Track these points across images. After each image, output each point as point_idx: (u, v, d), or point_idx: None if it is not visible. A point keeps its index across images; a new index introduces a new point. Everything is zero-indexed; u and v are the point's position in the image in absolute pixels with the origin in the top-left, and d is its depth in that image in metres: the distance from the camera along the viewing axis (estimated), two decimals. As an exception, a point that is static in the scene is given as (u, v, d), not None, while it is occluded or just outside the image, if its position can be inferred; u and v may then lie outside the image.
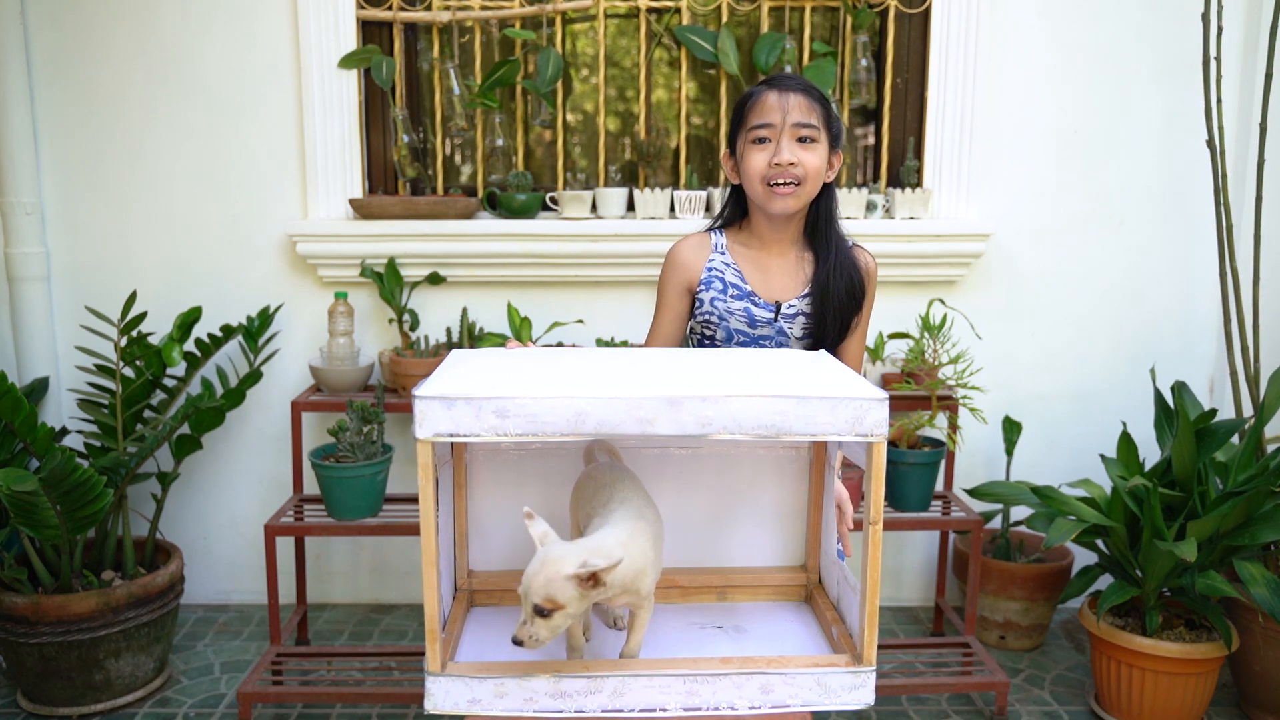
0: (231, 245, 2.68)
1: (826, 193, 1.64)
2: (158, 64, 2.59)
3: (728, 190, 1.70)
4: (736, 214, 1.70)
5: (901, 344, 2.61)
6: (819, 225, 1.64)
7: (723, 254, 1.66)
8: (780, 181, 1.55)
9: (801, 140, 1.56)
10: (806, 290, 1.63)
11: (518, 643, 1.07)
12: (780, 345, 1.63)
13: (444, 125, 2.72)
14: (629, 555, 1.09)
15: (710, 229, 1.71)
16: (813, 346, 1.62)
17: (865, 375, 1.72)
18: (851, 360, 1.67)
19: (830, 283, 1.61)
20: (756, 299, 1.63)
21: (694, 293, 1.66)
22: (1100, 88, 2.63)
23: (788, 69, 2.61)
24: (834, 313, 1.62)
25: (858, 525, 1.70)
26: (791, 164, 1.54)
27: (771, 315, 1.62)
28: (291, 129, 2.62)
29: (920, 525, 2.42)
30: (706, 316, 1.65)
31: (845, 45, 2.65)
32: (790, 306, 1.63)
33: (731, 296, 1.63)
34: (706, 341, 1.67)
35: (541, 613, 1.05)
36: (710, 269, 1.65)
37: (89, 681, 2.23)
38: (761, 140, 1.57)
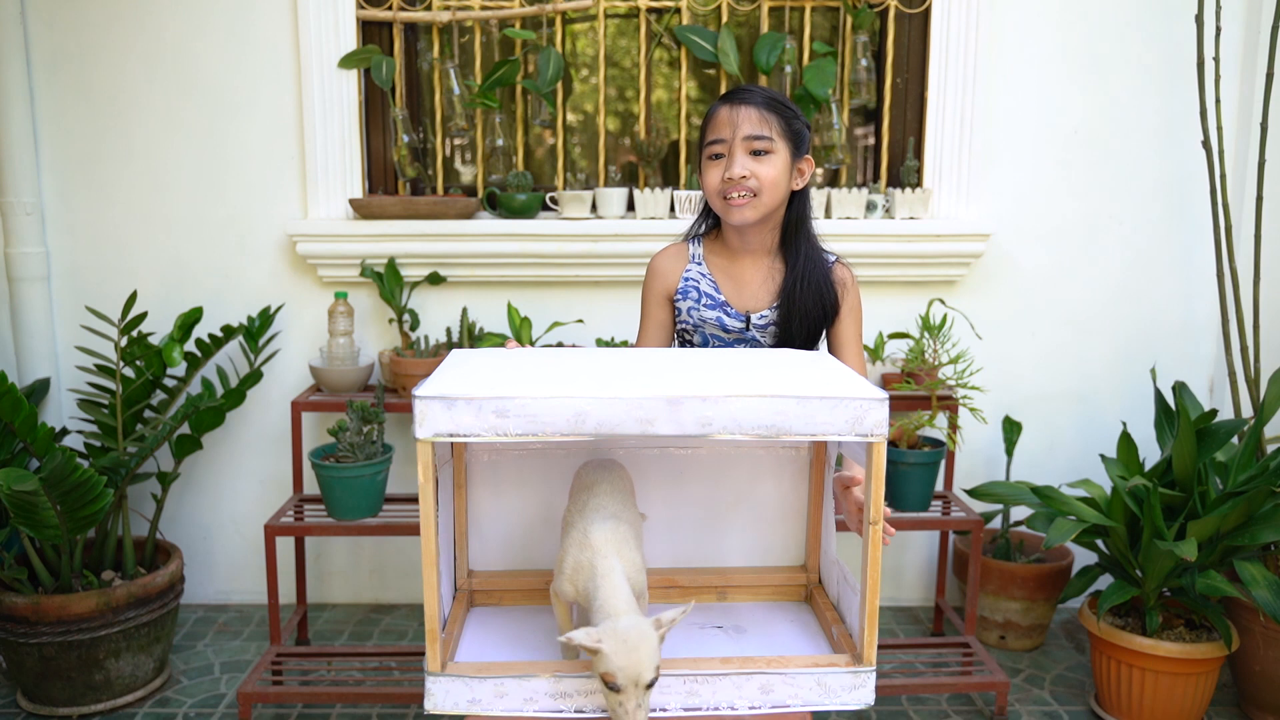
0: (231, 245, 2.68)
1: (798, 200, 1.63)
2: (158, 64, 2.59)
3: (704, 204, 1.71)
4: (713, 223, 1.71)
5: (901, 344, 2.61)
6: (789, 234, 1.64)
7: (699, 264, 1.68)
8: (734, 194, 1.56)
9: (755, 153, 1.55)
10: (778, 302, 1.63)
11: None
12: None
13: (444, 125, 2.72)
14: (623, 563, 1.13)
15: (688, 238, 1.72)
16: None
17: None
18: None
19: (796, 292, 1.60)
20: (729, 309, 1.64)
21: (673, 300, 1.68)
22: (1100, 88, 2.63)
23: (787, 69, 2.62)
24: (799, 322, 1.61)
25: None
26: (744, 177, 1.54)
27: (743, 325, 1.63)
28: (291, 129, 2.62)
29: (920, 525, 2.41)
30: (684, 324, 1.68)
31: (845, 45, 2.65)
32: (761, 317, 1.63)
33: (705, 306, 1.65)
34: (687, 347, 1.70)
35: (651, 684, 1.05)
36: (687, 278, 1.67)
37: (89, 681, 2.23)
38: (716, 156, 1.59)
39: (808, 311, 1.61)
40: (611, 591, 1.10)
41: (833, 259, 1.67)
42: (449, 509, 1.32)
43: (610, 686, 1.05)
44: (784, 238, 1.65)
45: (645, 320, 1.72)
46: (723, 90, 2.68)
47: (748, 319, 1.63)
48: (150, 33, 2.58)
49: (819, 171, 2.73)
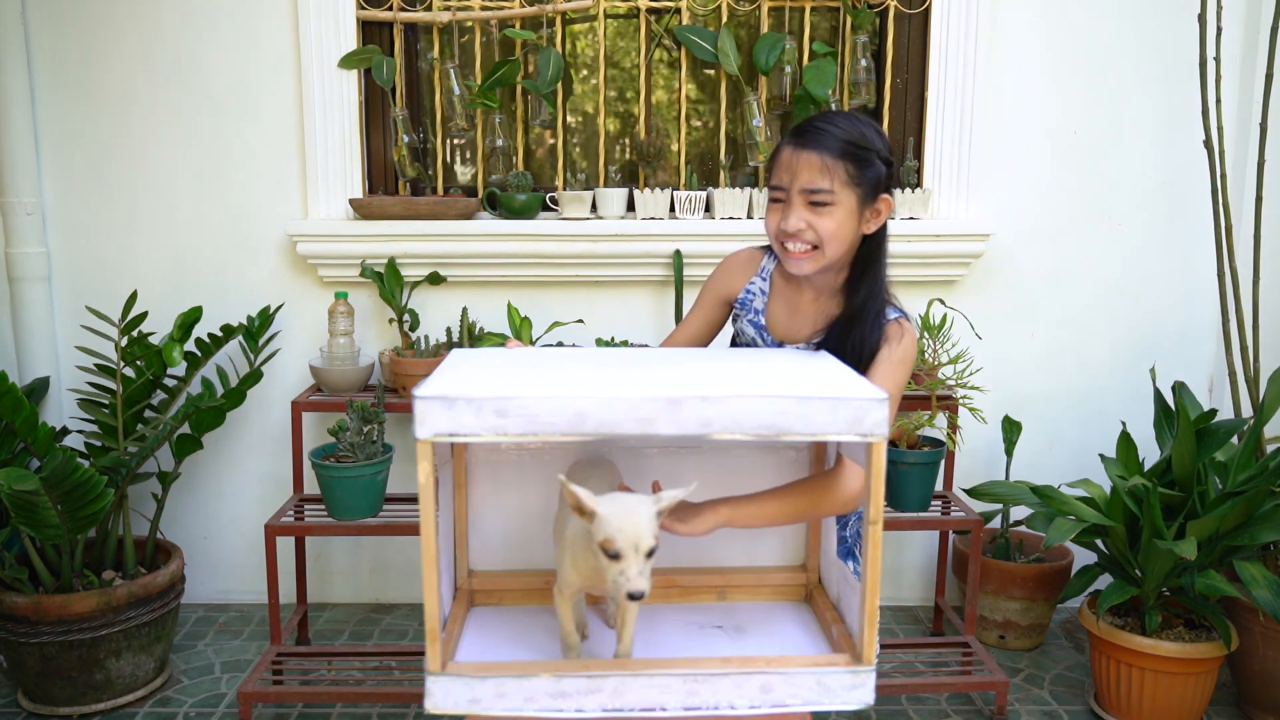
0: (232, 245, 2.68)
1: (872, 242, 1.50)
2: (159, 65, 2.60)
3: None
4: None
5: (901, 344, 2.61)
6: (855, 277, 1.51)
7: (764, 279, 1.61)
8: (792, 244, 1.45)
9: (813, 204, 1.43)
10: (819, 339, 1.55)
11: (640, 594, 1.05)
12: None
13: (444, 125, 2.72)
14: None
15: (766, 249, 1.64)
16: None
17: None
18: None
19: (840, 339, 1.49)
20: (765, 334, 1.59)
21: (730, 304, 1.64)
22: (1099, 88, 2.64)
23: (787, 69, 2.62)
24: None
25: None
26: (800, 230, 1.43)
27: None
28: (292, 129, 2.62)
29: (920, 525, 2.42)
30: (735, 331, 1.65)
31: (845, 45, 2.65)
32: (797, 349, 1.58)
33: (749, 323, 1.61)
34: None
35: (650, 553, 1.07)
36: (749, 290, 1.62)
37: (89, 681, 2.24)
38: (775, 200, 1.47)
39: (843, 358, 1.52)
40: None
41: (895, 314, 1.52)
42: (449, 509, 1.32)
43: (610, 554, 1.06)
44: (851, 278, 1.52)
45: (696, 308, 1.66)
46: (722, 91, 2.68)
47: (780, 347, 1.59)
48: (150, 33, 2.58)
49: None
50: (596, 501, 1.07)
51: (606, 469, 1.30)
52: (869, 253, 1.50)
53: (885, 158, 1.46)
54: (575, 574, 1.16)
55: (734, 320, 1.65)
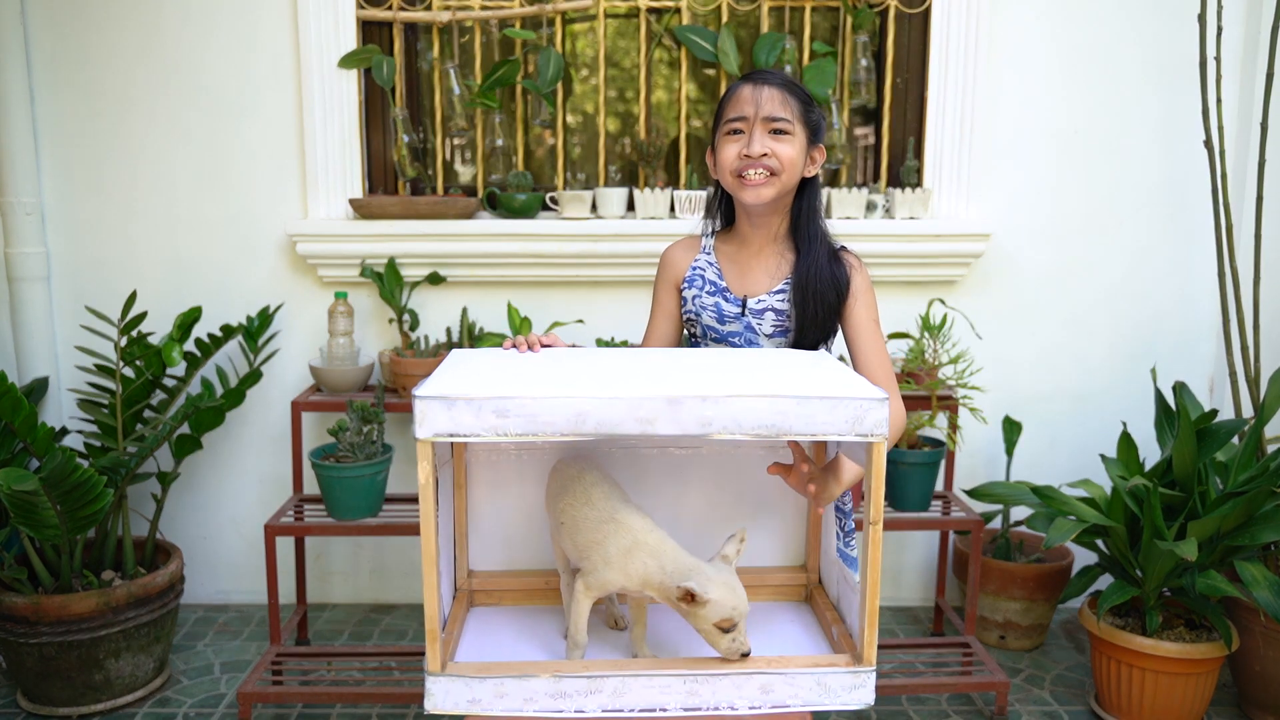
0: (232, 245, 2.68)
1: (809, 188, 1.65)
2: (158, 65, 2.60)
3: (715, 192, 1.71)
4: (728, 217, 1.72)
5: (901, 344, 2.61)
6: (801, 221, 1.64)
7: (708, 254, 1.69)
8: (750, 172, 1.56)
9: (774, 133, 1.56)
10: (779, 287, 1.63)
11: (750, 651, 1.16)
12: (749, 341, 1.62)
13: (444, 125, 2.72)
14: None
15: (703, 233, 1.73)
16: (791, 344, 1.62)
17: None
18: (876, 367, 1.59)
19: (810, 276, 1.60)
20: (728, 294, 1.65)
21: (680, 290, 1.69)
22: (1100, 88, 2.64)
23: (787, 69, 2.62)
24: (813, 305, 1.60)
25: (858, 525, 1.70)
26: (763, 155, 1.55)
27: (739, 310, 1.63)
28: (292, 129, 2.62)
29: (920, 525, 2.41)
30: (688, 313, 1.69)
31: (845, 45, 2.65)
32: (759, 301, 1.63)
33: (707, 293, 1.66)
34: (692, 339, 1.71)
35: None
36: (695, 267, 1.69)
37: (89, 681, 2.23)
38: (735, 132, 1.59)
39: (822, 295, 1.60)
40: (678, 553, 1.17)
41: (838, 245, 1.68)
42: (449, 509, 1.32)
43: (724, 630, 1.13)
44: (794, 225, 1.66)
45: (654, 308, 1.74)
46: (722, 91, 2.68)
47: (744, 302, 1.63)
48: (150, 33, 2.58)
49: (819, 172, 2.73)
50: (702, 587, 1.11)
51: (595, 460, 1.31)
52: (809, 201, 1.65)
53: (819, 111, 1.64)
54: (623, 576, 1.18)
55: (684, 303, 1.69)
